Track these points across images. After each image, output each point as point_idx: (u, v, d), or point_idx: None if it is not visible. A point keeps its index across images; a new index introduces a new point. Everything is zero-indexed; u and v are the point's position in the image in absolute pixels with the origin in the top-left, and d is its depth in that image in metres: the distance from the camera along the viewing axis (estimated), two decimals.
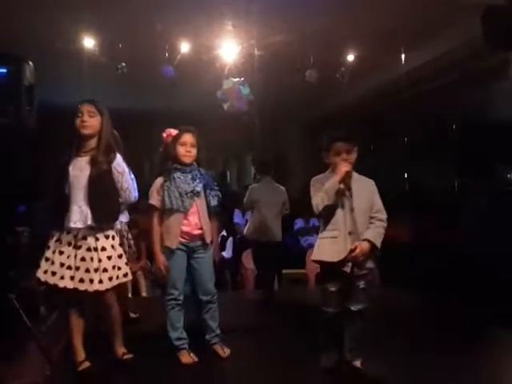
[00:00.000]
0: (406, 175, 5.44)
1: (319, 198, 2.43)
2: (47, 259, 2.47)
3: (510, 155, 4.20)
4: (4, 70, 2.82)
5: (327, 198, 2.40)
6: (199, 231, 2.70)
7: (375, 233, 2.44)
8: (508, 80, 3.94)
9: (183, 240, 2.69)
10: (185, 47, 4.16)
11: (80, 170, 2.48)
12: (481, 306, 3.42)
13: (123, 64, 4.15)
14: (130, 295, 4.15)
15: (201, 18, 3.85)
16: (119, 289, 2.67)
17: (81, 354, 2.54)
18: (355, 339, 2.51)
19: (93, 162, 2.48)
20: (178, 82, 4.41)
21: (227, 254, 5.63)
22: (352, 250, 2.37)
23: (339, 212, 2.44)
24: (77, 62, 4.19)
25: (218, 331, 2.80)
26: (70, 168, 2.48)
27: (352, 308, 2.46)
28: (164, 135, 2.83)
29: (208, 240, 2.73)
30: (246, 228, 4.34)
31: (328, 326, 2.50)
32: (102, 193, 2.47)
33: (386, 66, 4.90)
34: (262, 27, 4.01)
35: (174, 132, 2.79)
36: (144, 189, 2.93)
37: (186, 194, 2.65)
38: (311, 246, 5.64)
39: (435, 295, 4.01)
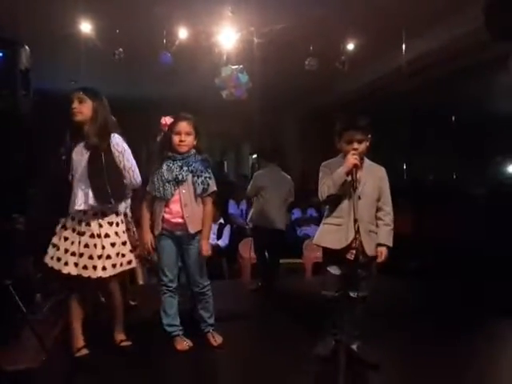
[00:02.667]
0: (404, 166, 5.43)
1: (325, 187, 2.43)
2: (54, 245, 2.51)
3: (510, 147, 4.19)
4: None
5: (333, 188, 2.40)
6: (180, 220, 2.68)
7: (388, 234, 2.45)
8: (509, 71, 3.91)
9: (166, 227, 2.69)
10: (183, 33, 4.10)
11: (81, 155, 2.52)
12: (480, 297, 3.43)
13: (120, 50, 4.08)
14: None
15: (199, 3, 3.79)
16: (123, 276, 2.70)
17: (80, 341, 2.56)
18: (353, 324, 2.54)
19: (88, 146, 2.50)
20: (176, 69, 4.35)
21: (223, 242, 5.63)
22: (355, 239, 2.35)
23: (345, 200, 2.44)
24: (73, 48, 4.13)
25: (211, 321, 2.81)
26: (73, 154, 2.53)
27: (352, 294, 2.48)
28: (162, 122, 2.79)
29: (191, 230, 2.67)
30: (249, 215, 4.33)
31: (327, 309, 2.51)
32: (102, 173, 2.48)
33: (386, 54, 4.86)
34: (261, 14, 3.95)
35: (169, 120, 2.77)
36: (142, 176, 2.90)
37: (168, 182, 2.65)
38: (308, 236, 5.65)
39: (434, 285, 4.03)
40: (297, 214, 6.18)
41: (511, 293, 3.20)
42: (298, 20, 4.00)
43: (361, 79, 5.75)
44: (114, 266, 2.49)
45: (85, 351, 2.54)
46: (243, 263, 5.09)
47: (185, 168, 2.66)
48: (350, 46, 4.50)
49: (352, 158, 2.36)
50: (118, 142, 2.56)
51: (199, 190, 2.67)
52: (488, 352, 2.73)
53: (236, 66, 4.22)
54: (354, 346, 2.55)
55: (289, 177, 4.31)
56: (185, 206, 2.66)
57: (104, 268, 2.45)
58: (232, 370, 2.58)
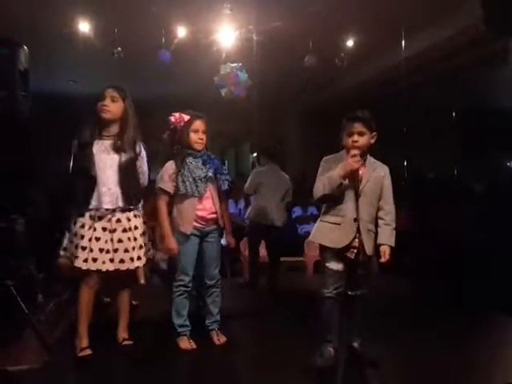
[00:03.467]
0: (405, 162, 5.42)
1: (320, 185, 2.38)
2: (84, 248, 2.48)
3: (510, 142, 4.18)
4: None
5: (328, 189, 2.34)
6: (213, 215, 2.73)
7: (390, 234, 2.41)
8: (509, 67, 3.90)
9: (198, 225, 2.69)
10: (182, 32, 4.10)
11: (106, 153, 2.53)
12: (480, 292, 3.43)
13: (119, 49, 4.08)
14: None
15: (198, 1, 3.79)
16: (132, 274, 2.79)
17: (84, 341, 2.55)
18: (354, 322, 2.53)
19: (119, 147, 2.54)
20: (175, 67, 4.35)
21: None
22: (355, 237, 2.34)
23: (345, 198, 2.39)
24: (72, 48, 4.13)
25: (218, 317, 2.81)
26: (94, 150, 2.52)
27: (351, 293, 2.46)
28: (172, 119, 2.73)
29: (222, 223, 2.77)
30: (247, 212, 4.34)
31: (327, 308, 2.45)
32: (130, 177, 2.57)
33: (386, 51, 4.85)
34: (260, 11, 3.94)
35: (184, 117, 2.73)
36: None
37: (200, 179, 2.65)
38: (309, 234, 5.63)
39: (433, 282, 4.03)
40: (298, 211, 6.18)
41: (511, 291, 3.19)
42: (297, 17, 3.99)
43: (360, 76, 5.74)
44: (145, 254, 2.62)
45: (88, 351, 2.54)
46: (245, 262, 5.09)
47: (208, 165, 2.70)
48: (350, 43, 4.49)
49: (352, 162, 2.29)
50: (141, 147, 2.64)
51: (224, 187, 2.77)
52: (488, 350, 2.72)
53: (235, 64, 4.21)
54: (355, 344, 2.53)
55: (287, 177, 4.30)
56: (216, 202, 2.73)
57: (139, 258, 2.58)
58: (235, 369, 2.58)
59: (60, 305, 3.42)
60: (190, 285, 2.72)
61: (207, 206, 2.70)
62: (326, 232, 2.43)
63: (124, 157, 2.54)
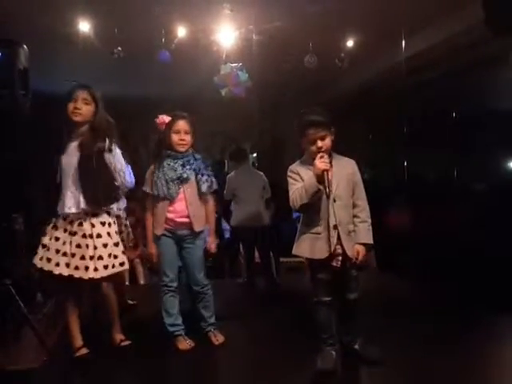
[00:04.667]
0: (405, 163, 5.42)
1: (297, 195, 2.28)
2: (44, 246, 2.46)
3: (510, 143, 4.17)
4: None
5: (306, 198, 2.25)
6: (185, 219, 2.66)
7: (366, 232, 2.35)
8: (509, 67, 3.89)
9: (168, 227, 2.66)
10: (182, 31, 4.09)
11: (70, 156, 2.46)
12: (479, 293, 3.43)
13: (119, 48, 4.07)
14: (127, 283, 4.16)
15: (198, 1, 3.78)
16: (115, 278, 2.64)
17: (78, 341, 2.54)
18: (351, 324, 2.51)
19: (81, 147, 2.44)
20: (175, 67, 4.34)
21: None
22: (337, 244, 2.28)
23: (321, 206, 2.30)
24: (72, 46, 4.12)
25: (212, 320, 2.80)
26: (63, 155, 2.46)
27: (346, 296, 2.43)
28: (157, 121, 2.74)
29: (196, 229, 2.67)
30: (231, 219, 4.34)
31: (320, 314, 2.43)
32: (94, 176, 2.44)
33: (386, 51, 4.84)
34: (260, 11, 3.93)
35: (167, 118, 2.72)
36: (141, 175, 2.89)
37: (172, 180, 2.62)
38: None
39: (434, 282, 4.02)
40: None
41: (511, 291, 3.19)
42: (298, 17, 3.98)
43: (360, 76, 5.74)
44: (105, 267, 2.44)
45: (84, 350, 2.53)
46: (242, 261, 5.08)
47: (187, 166, 2.65)
48: (350, 43, 4.48)
49: (320, 163, 2.20)
50: (114, 145, 2.53)
51: (204, 188, 2.68)
52: (488, 350, 2.72)
53: (235, 64, 4.21)
54: (356, 345, 2.52)
55: (261, 173, 4.35)
56: (190, 205, 2.65)
57: (96, 269, 2.40)
58: (234, 369, 2.57)
59: (58, 303, 3.41)
60: (173, 284, 2.71)
61: (178, 208, 2.66)
62: (308, 244, 2.34)
63: (85, 157, 2.44)
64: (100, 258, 2.43)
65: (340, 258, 2.32)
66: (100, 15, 3.89)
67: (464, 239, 4.10)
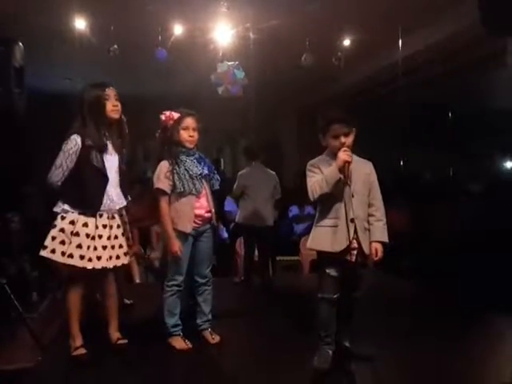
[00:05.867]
0: (402, 162, 5.43)
1: (317, 185, 2.33)
2: (88, 247, 2.44)
3: (508, 142, 4.18)
4: None
5: (326, 187, 2.30)
6: (210, 214, 2.70)
7: (382, 230, 2.39)
8: (506, 67, 3.90)
9: (195, 224, 2.65)
10: (178, 29, 4.08)
11: (110, 154, 2.55)
12: (478, 292, 3.44)
13: (115, 46, 4.06)
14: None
15: None
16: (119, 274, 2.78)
17: (78, 340, 2.53)
18: (348, 323, 2.51)
19: (120, 147, 2.58)
20: (171, 65, 4.33)
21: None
22: (354, 238, 2.31)
23: (339, 199, 2.34)
24: (68, 44, 4.10)
25: (210, 316, 2.79)
26: (104, 153, 2.51)
27: (351, 295, 2.43)
28: (163, 117, 2.69)
29: (216, 222, 2.77)
30: (237, 215, 4.33)
31: (324, 311, 2.42)
32: (125, 175, 2.63)
33: (383, 50, 4.85)
34: (257, 10, 3.93)
35: (174, 115, 2.68)
36: (138, 174, 2.89)
37: (196, 176, 2.63)
38: (306, 233, 5.64)
39: (432, 281, 4.03)
40: (294, 211, 6.16)
41: (510, 290, 3.20)
42: (294, 16, 3.98)
43: (357, 75, 5.74)
44: (125, 254, 2.61)
45: (82, 350, 2.51)
46: (240, 261, 5.08)
47: (202, 163, 2.68)
48: (347, 42, 4.49)
49: (344, 155, 2.28)
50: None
51: (216, 186, 2.75)
52: (484, 349, 2.73)
53: (232, 63, 4.20)
54: (347, 343, 2.52)
55: (273, 173, 4.28)
56: (211, 200, 2.70)
57: (118, 257, 2.56)
58: (231, 368, 2.57)
59: (54, 303, 3.41)
60: (182, 284, 2.69)
61: (204, 204, 2.67)
62: (324, 237, 2.36)
63: (122, 156, 2.62)
64: (120, 246, 2.59)
65: (355, 252, 2.34)
66: (96, 13, 3.87)
67: (463, 239, 4.11)
